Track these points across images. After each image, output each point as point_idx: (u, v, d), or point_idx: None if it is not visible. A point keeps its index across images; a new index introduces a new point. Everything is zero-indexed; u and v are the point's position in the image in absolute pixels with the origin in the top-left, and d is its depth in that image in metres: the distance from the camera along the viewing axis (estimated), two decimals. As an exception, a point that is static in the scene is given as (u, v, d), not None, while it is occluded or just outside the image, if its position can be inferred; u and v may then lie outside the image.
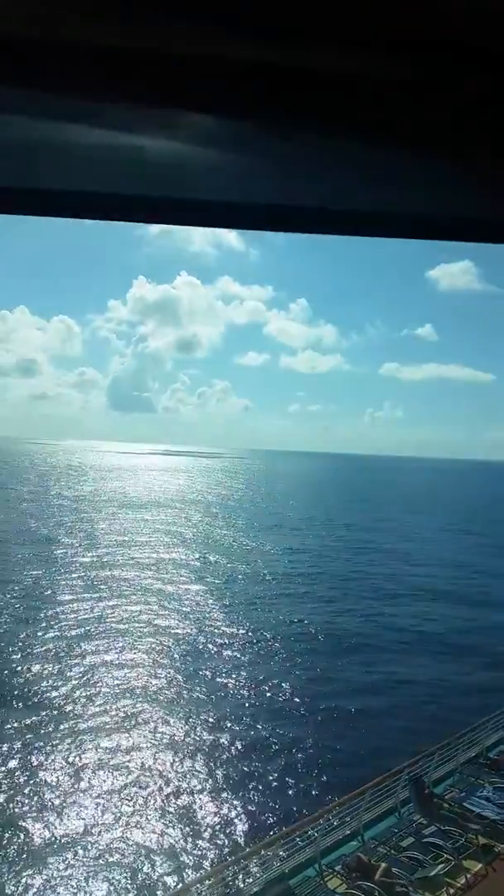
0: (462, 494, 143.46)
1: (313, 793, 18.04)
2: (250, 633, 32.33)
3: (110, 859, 15.08)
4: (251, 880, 12.63)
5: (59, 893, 14.04)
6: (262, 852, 13.72)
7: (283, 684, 25.60)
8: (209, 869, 14.74)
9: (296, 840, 13.38)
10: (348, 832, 13.81)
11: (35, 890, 14.07)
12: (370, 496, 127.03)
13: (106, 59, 0.70)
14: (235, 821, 16.93)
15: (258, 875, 12.81)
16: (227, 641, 30.96)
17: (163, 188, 0.87)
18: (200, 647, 29.85)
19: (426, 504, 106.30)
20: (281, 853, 13.29)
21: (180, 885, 14.30)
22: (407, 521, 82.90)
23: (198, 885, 13.18)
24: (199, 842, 16.06)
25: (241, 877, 12.85)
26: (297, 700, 24.21)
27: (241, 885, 12.62)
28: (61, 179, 0.85)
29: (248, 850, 14.52)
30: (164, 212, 0.91)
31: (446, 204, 0.95)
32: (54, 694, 23.47)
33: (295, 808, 17.09)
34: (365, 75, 0.75)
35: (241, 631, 32.78)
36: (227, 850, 15.76)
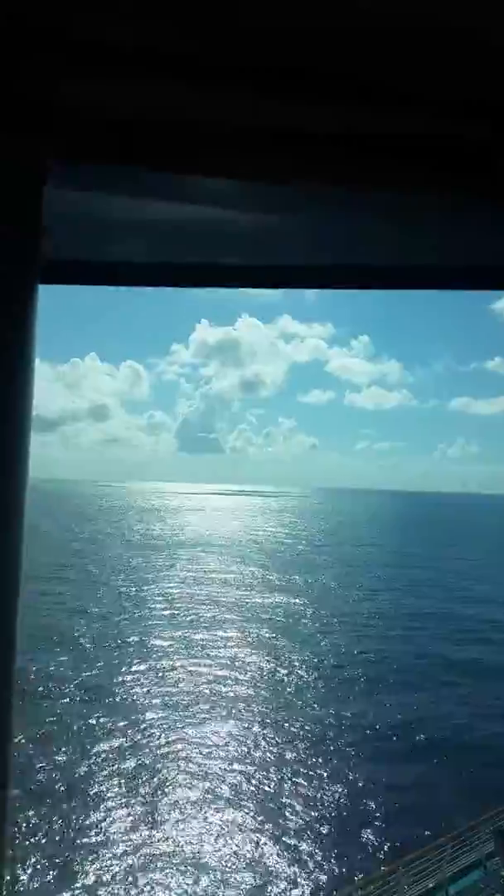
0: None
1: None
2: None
3: None
4: None
5: None
6: None
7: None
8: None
9: (375, 892, 13.29)
10: (431, 886, 13.53)
11: None
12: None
13: (132, 131, 0.79)
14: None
15: None
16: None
17: (170, 253, 0.99)
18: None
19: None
20: None
21: None
22: None
23: None
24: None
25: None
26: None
27: None
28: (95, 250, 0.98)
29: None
30: (186, 276, 1.01)
31: (455, 254, 1.04)
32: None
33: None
34: (365, 134, 0.84)
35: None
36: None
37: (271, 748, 24.17)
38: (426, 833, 16.51)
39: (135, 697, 28.81)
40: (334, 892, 15.29)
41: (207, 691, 29.80)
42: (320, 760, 23.12)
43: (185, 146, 0.80)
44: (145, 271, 1.01)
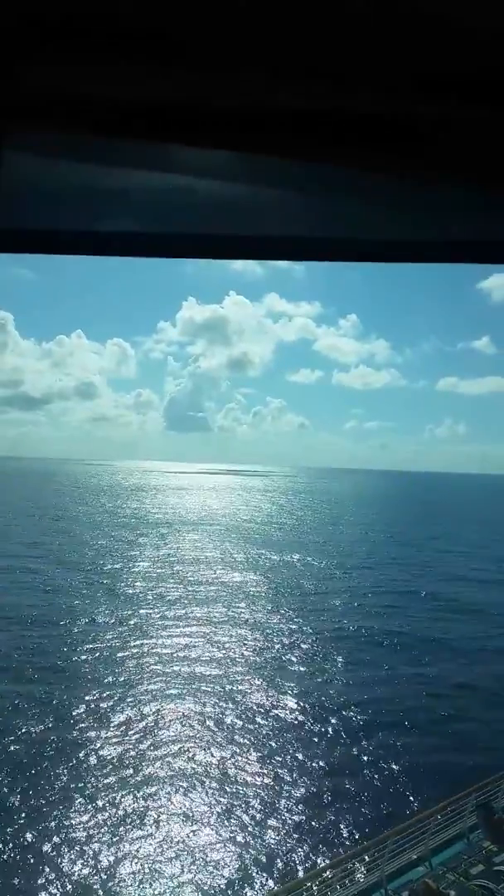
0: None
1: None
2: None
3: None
4: None
5: None
6: (325, 875, 13.54)
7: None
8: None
9: (360, 864, 13.50)
10: (415, 857, 13.66)
11: None
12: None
13: (134, 111, 0.80)
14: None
15: None
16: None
17: (167, 224, 0.95)
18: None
19: None
20: (345, 877, 13.22)
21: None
22: None
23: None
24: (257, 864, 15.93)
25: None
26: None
27: None
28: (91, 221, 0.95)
29: (309, 873, 14.55)
30: (173, 247, 0.99)
31: (447, 228, 1.02)
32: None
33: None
34: (359, 110, 0.84)
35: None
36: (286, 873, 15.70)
37: (207, 721, 23.79)
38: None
39: (78, 670, 28.71)
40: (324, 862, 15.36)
41: (155, 668, 29.24)
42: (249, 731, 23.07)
43: (177, 121, 0.82)
44: (136, 241, 0.99)
